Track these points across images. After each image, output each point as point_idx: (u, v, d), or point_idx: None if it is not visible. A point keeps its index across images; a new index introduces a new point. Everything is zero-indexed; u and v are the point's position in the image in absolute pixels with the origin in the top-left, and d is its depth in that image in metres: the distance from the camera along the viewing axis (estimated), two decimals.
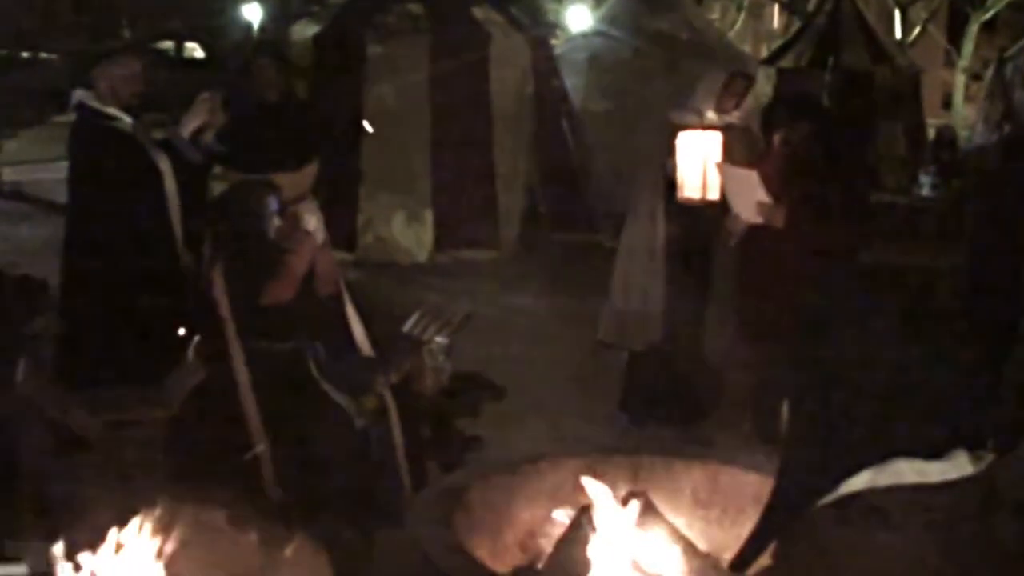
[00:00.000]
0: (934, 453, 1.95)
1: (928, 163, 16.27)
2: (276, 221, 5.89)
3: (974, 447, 1.99)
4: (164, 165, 6.77)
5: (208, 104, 6.95)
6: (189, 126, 6.91)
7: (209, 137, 7.02)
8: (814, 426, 2.06)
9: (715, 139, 6.91)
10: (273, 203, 5.90)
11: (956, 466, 1.94)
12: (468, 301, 9.84)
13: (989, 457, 1.98)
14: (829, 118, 7.96)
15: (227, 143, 8.45)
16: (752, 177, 6.66)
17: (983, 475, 1.94)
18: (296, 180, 8.81)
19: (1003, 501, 1.99)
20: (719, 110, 7.36)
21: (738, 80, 7.60)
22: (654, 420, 7.31)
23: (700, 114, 7.30)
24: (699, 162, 6.90)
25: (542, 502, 4.88)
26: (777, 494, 2.17)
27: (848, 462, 1.97)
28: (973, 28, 23.99)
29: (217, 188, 7.16)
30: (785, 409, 2.15)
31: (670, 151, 7.07)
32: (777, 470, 2.18)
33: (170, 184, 6.77)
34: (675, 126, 7.24)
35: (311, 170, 8.84)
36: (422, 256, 12.56)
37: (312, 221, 6.00)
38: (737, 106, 7.49)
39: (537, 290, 10.75)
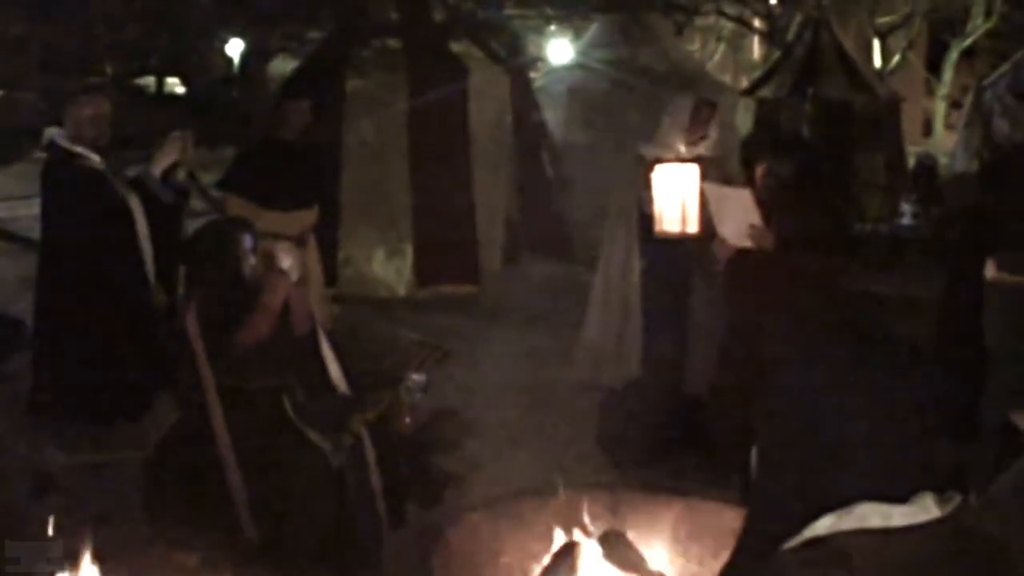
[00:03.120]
0: (900, 496, 1.91)
1: (908, 191, 16.30)
2: (250, 260, 5.84)
3: (942, 488, 1.95)
4: (135, 204, 6.73)
5: (179, 143, 6.93)
6: (160, 164, 6.88)
7: (181, 175, 6.99)
8: (782, 468, 2.03)
9: (692, 172, 6.87)
10: (247, 241, 5.85)
11: (922, 509, 1.90)
12: (447, 336, 9.82)
13: (956, 499, 1.94)
14: (810, 148, 7.91)
15: (246, 176, 8.52)
16: (746, 197, 6.56)
17: (950, 518, 1.90)
18: (309, 217, 8.88)
19: (979, 544, 1.95)
20: (689, 142, 7.30)
21: (704, 108, 7.56)
22: (633, 456, 7.24)
23: (670, 147, 7.24)
24: (677, 195, 6.86)
25: (521, 540, 4.83)
26: (745, 537, 2.13)
27: (814, 504, 1.93)
28: (952, 56, 24.11)
29: (191, 226, 7.12)
30: (754, 452, 2.11)
31: (644, 185, 7.03)
32: (746, 512, 2.15)
33: (141, 223, 6.74)
34: (646, 160, 7.20)
35: (316, 209, 8.93)
36: (402, 291, 12.51)
37: (286, 260, 5.96)
38: (704, 136, 7.43)
39: (517, 324, 10.69)
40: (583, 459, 7.36)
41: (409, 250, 12.51)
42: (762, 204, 6.57)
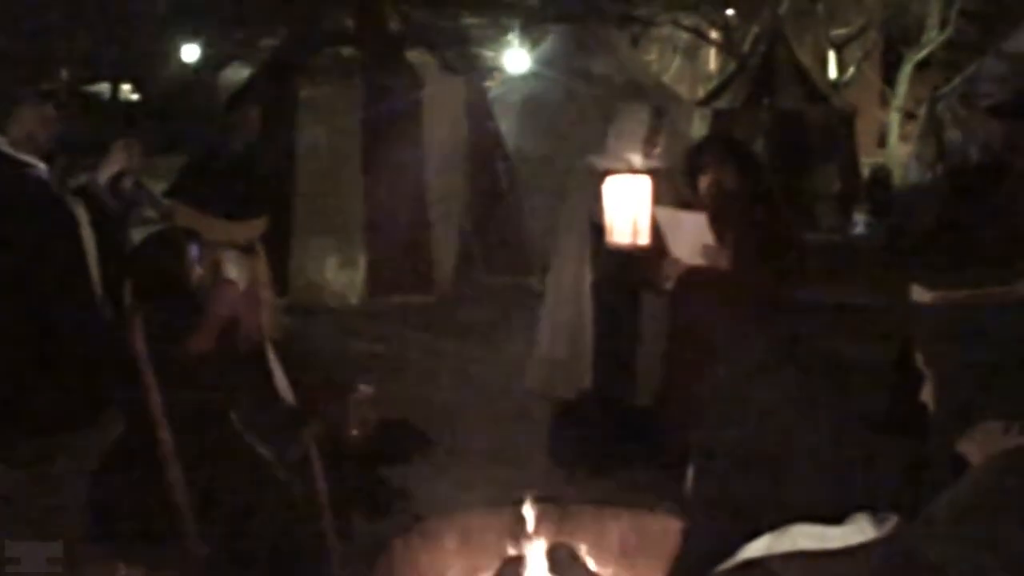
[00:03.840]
0: (840, 515, 1.89)
1: (862, 202, 16.42)
2: (197, 269, 5.79)
3: (881, 508, 1.93)
4: (80, 212, 6.66)
5: (125, 151, 6.85)
6: (106, 172, 6.81)
7: (127, 183, 6.91)
8: (718, 487, 2.00)
9: (644, 184, 6.83)
10: (194, 251, 5.80)
11: (857, 530, 1.87)
12: (399, 346, 9.78)
13: (893, 520, 1.91)
14: (755, 159, 7.86)
15: (194, 185, 8.45)
16: (700, 221, 6.54)
17: (886, 539, 1.88)
18: (258, 226, 8.80)
19: (915, 568, 1.93)
20: (644, 152, 7.24)
21: (659, 117, 7.49)
22: (584, 468, 7.20)
23: (622, 158, 7.17)
24: (628, 207, 6.82)
25: (468, 553, 4.81)
26: (681, 557, 2.11)
27: (750, 525, 1.90)
28: (907, 68, 24.20)
29: (138, 235, 7.06)
30: (691, 470, 2.09)
31: (595, 196, 6.99)
32: (682, 532, 2.12)
33: (86, 232, 6.66)
34: (597, 171, 7.16)
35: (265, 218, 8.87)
36: (355, 300, 12.45)
37: (233, 269, 5.91)
38: (656, 145, 7.37)
39: (469, 335, 10.66)
40: (534, 471, 7.31)
41: (362, 260, 12.46)
42: (712, 216, 6.55)
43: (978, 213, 7.29)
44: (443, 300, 12.65)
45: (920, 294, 2.65)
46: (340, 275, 12.46)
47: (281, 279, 11.46)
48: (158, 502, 5.44)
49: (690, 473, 2.09)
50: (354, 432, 6.56)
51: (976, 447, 2.55)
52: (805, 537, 1.86)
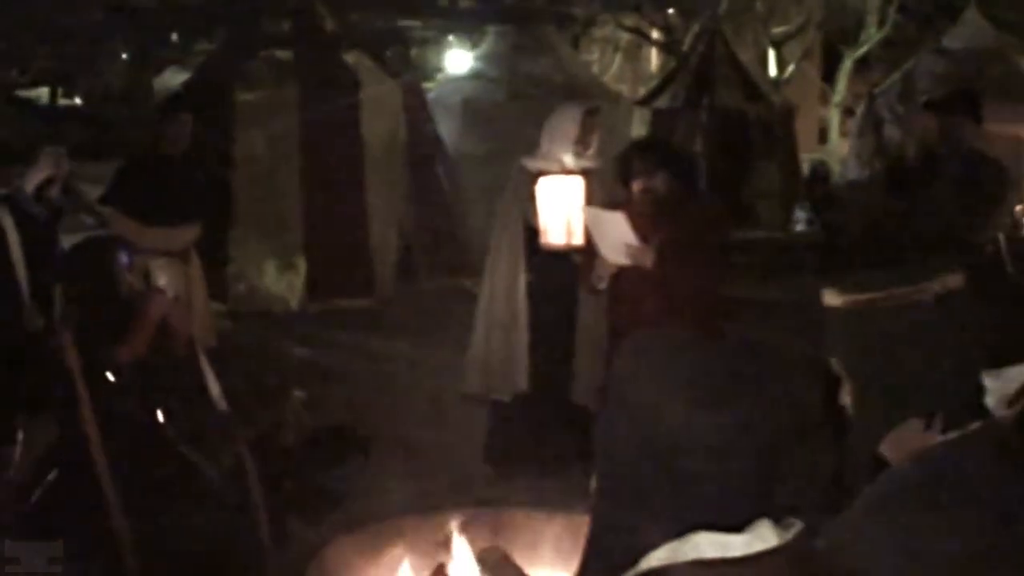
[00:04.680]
0: (738, 525, 1.87)
1: (802, 198, 16.50)
2: (127, 277, 5.74)
3: (786, 514, 1.92)
4: (7, 222, 6.58)
5: (52, 158, 6.78)
6: (32, 181, 6.73)
7: (55, 192, 6.84)
8: (620, 492, 1.98)
9: (577, 184, 6.84)
10: (123, 258, 5.75)
11: (759, 537, 1.85)
12: (340, 351, 9.74)
13: (797, 526, 1.90)
14: (687, 163, 7.86)
15: (126, 192, 8.37)
16: (619, 219, 6.54)
17: (788, 546, 1.86)
18: (191, 232, 8.73)
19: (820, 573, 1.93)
20: (577, 152, 7.22)
21: (592, 116, 7.47)
22: (520, 470, 7.18)
23: (556, 158, 7.16)
24: (562, 207, 6.83)
25: (402, 558, 4.79)
26: (583, 568, 2.09)
27: (653, 533, 1.89)
28: (847, 65, 24.40)
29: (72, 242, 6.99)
30: (594, 476, 2.06)
31: (529, 197, 7.00)
32: (585, 541, 2.10)
33: (13, 240, 6.58)
34: (530, 172, 7.16)
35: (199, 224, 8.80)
36: (295, 305, 12.40)
37: (163, 277, 5.86)
38: (588, 145, 7.35)
39: (410, 338, 10.65)
40: (472, 474, 7.31)
41: (302, 264, 12.42)
42: (642, 216, 6.55)
43: (910, 210, 7.33)
44: (383, 303, 12.62)
45: (832, 297, 2.62)
46: (280, 279, 12.40)
47: (220, 284, 11.42)
48: (89, 512, 5.40)
49: (593, 478, 2.07)
50: (289, 437, 6.53)
51: (896, 449, 2.54)
52: (707, 545, 1.84)
